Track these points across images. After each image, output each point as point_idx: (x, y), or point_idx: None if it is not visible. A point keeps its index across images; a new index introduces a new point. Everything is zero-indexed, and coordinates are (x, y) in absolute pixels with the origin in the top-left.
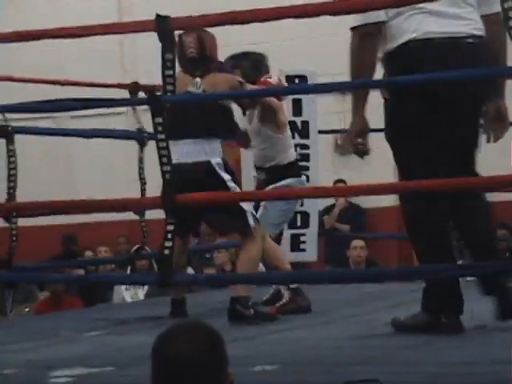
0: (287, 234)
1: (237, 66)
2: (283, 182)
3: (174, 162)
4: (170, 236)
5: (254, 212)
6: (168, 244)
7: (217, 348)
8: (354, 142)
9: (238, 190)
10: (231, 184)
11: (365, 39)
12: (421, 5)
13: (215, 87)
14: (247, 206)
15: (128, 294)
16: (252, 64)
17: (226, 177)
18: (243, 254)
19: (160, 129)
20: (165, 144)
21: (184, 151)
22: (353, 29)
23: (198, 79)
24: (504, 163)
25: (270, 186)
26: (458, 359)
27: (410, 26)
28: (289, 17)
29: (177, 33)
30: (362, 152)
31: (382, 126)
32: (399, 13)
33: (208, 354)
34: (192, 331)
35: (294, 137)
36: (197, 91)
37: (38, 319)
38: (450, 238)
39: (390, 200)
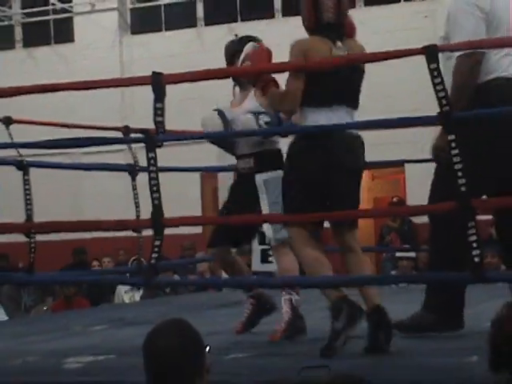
0: (258, 249)
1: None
2: (279, 172)
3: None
4: (156, 249)
5: None
6: (155, 255)
7: (194, 341)
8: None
9: None
10: None
11: (476, 66)
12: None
13: (355, 51)
14: None
15: (127, 296)
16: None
17: None
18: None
19: (152, 162)
20: (155, 175)
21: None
22: (465, 55)
23: (339, 43)
24: None
25: (263, 174)
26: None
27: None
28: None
29: None
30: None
31: None
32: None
33: (186, 346)
34: (173, 328)
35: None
36: (343, 54)
37: (53, 316)
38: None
39: None
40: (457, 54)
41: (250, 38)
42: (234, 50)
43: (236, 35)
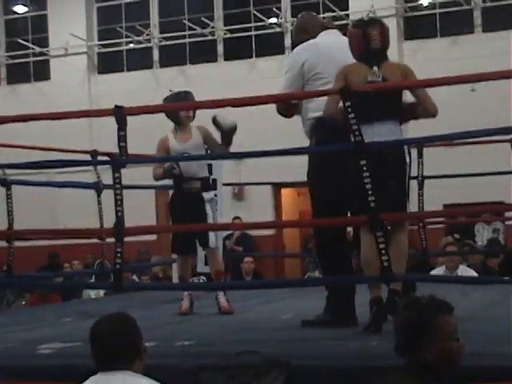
0: (202, 253)
1: (185, 98)
2: (217, 191)
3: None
4: (119, 255)
5: None
6: (118, 261)
7: (132, 328)
8: None
9: None
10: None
11: None
12: None
13: (393, 74)
14: None
15: (93, 292)
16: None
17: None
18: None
19: (117, 181)
20: (119, 191)
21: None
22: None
23: (375, 68)
24: None
25: (210, 193)
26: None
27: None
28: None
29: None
30: None
31: None
32: None
33: (125, 332)
34: (115, 319)
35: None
36: (378, 79)
37: (30, 310)
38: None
39: (269, 231)
40: None
41: (182, 93)
42: (171, 101)
43: (171, 90)
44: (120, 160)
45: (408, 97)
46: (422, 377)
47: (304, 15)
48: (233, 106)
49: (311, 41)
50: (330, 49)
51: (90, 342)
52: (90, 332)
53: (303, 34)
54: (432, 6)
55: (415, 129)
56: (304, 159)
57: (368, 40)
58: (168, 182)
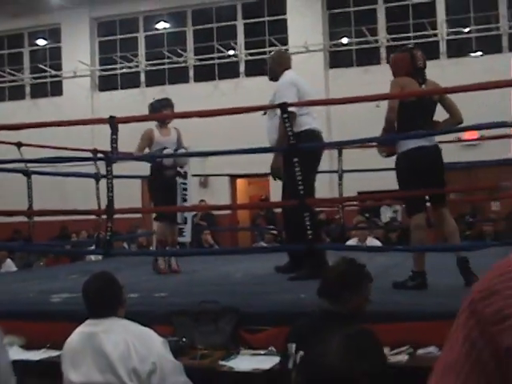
0: (176, 227)
1: (166, 105)
2: (187, 180)
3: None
4: (109, 229)
5: None
6: (109, 233)
7: (115, 283)
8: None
9: None
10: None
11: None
12: None
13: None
14: None
15: (93, 256)
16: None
17: None
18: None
19: (110, 172)
20: (111, 181)
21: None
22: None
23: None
24: None
25: (182, 179)
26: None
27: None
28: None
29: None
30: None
31: None
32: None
33: (109, 286)
34: (101, 276)
35: (181, 178)
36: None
37: (46, 269)
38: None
39: (227, 211)
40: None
41: (164, 100)
42: (155, 107)
43: (154, 98)
44: (112, 157)
45: None
46: (336, 320)
47: (281, 51)
48: (200, 117)
49: (293, 75)
50: (304, 84)
51: (83, 295)
52: (82, 288)
53: (279, 67)
54: (350, 43)
55: (339, 134)
56: (253, 157)
57: (415, 60)
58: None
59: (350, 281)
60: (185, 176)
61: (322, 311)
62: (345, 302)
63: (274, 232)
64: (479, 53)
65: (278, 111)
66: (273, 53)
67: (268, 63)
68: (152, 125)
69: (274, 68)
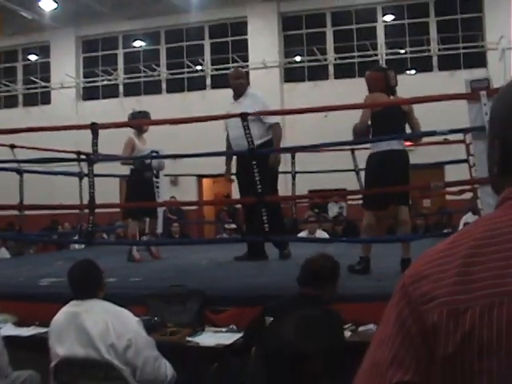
0: (156, 221)
1: (144, 117)
2: (160, 179)
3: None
4: (90, 221)
5: None
6: (90, 225)
7: (95, 269)
8: None
9: None
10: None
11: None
12: None
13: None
14: None
15: (77, 245)
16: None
17: None
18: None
19: (91, 172)
20: (92, 179)
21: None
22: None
23: (392, 96)
24: None
25: (158, 179)
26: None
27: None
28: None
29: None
30: None
31: None
32: None
33: (89, 271)
34: (83, 263)
35: (154, 178)
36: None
37: (36, 256)
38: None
39: (194, 206)
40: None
41: (141, 112)
42: (135, 117)
43: (133, 109)
44: (93, 158)
45: None
46: (309, 305)
47: (239, 69)
48: (171, 124)
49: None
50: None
51: (68, 279)
52: (67, 273)
53: (247, 83)
54: (302, 61)
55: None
56: (218, 159)
57: (388, 79)
58: (128, 171)
59: (329, 274)
60: (157, 176)
61: (299, 294)
62: (324, 291)
63: (233, 226)
64: (413, 71)
65: (270, 120)
66: (238, 70)
67: (237, 81)
68: (131, 133)
69: (244, 84)
